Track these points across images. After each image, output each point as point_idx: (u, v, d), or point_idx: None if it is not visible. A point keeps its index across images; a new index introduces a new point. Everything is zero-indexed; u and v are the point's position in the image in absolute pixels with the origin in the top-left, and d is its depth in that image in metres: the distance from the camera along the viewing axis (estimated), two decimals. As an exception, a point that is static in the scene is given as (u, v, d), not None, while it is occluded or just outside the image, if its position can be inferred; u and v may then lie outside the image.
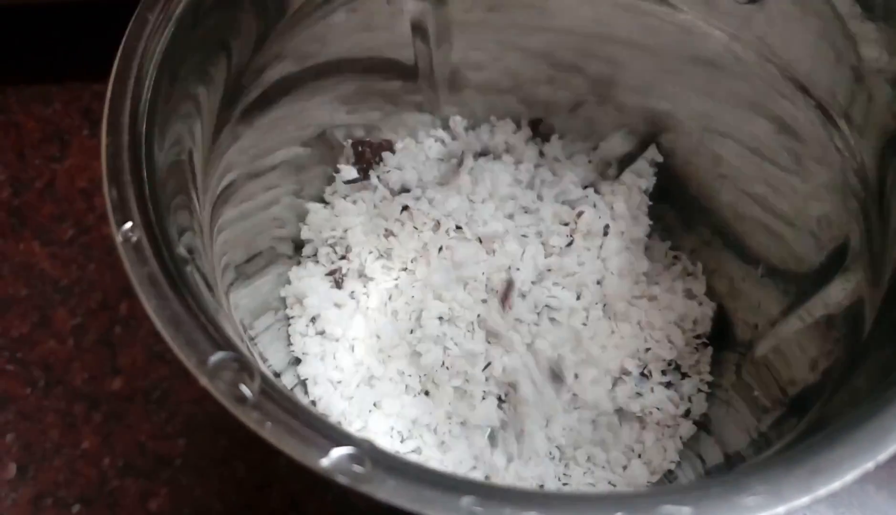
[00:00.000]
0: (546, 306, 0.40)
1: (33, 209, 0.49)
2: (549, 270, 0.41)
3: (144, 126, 0.26)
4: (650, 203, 0.44)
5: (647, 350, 0.41)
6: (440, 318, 0.39)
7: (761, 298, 0.39)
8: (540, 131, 0.46)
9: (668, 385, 0.41)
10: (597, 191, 0.44)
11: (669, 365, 0.41)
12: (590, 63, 0.41)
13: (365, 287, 0.41)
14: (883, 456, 0.22)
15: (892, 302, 0.28)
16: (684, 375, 0.41)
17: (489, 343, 0.39)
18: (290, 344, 0.40)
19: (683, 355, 0.41)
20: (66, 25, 0.54)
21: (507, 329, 0.39)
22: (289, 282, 0.41)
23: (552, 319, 0.40)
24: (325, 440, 0.21)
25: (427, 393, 0.39)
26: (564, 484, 0.38)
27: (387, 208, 0.42)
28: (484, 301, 0.40)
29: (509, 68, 0.43)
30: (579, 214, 0.42)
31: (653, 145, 0.43)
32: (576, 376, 0.39)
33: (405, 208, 0.42)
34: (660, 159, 0.43)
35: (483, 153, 0.45)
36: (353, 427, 0.38)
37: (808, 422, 0.28)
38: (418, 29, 0.39)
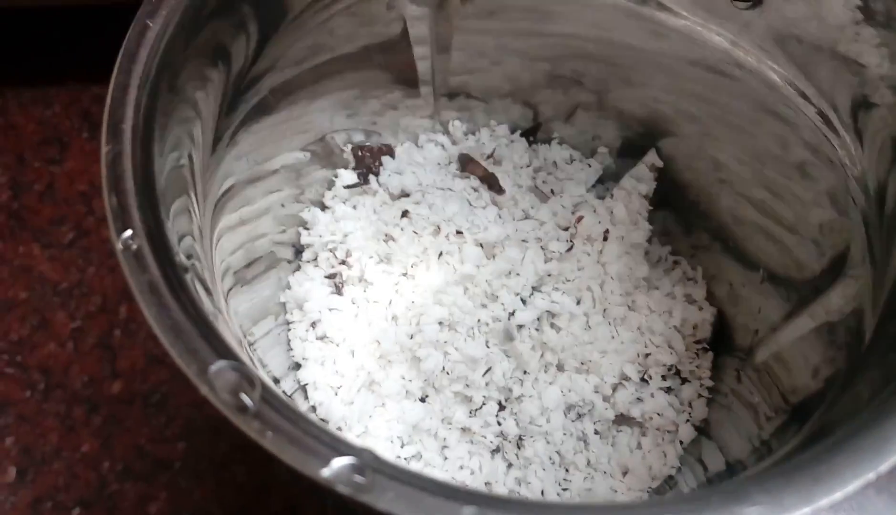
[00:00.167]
0: (546, 311, 0.40)
1: (33, 212, 0.49)
2: (549, 275, 0.41)
3: (144, 132, 0.26)
4: (650, 208, 0.44)
5: (648, 355, 0.41)
6: (440, 323, 0.39)
7: (761, 304, 0.39)
8: (539, 136, 0.46)
9: (669, 390, 0.41)
10: (597, 196, 0.44)
11: (669, 370, 0.41)
12: (589, 68, 0.41)
13: (365, 292, 0.41)
14: (884, 467, 0.22)
15: (894, 311, 0.28)
16: (684, 380, 0.41)
17: (489, 348, 0.39)
18: (289, 349, 0.40)
19: (683, 360, 0.41)
20: (65, 28, 0.54)
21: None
22: (289, 287, 0.41)
23: (552, 324, 0.40)
24: (325, 449, 0.21)
25: (427, 399, 0.39)
26: (564, 490, 0.38)
27: (387, 213, 0.42)
28: (484, 306, 0.40)
29: (509, 73, 0.43)
30: (579, 219, 0.42)
31: (652, 150, 0.43)
32: (576, 381, 0.39)
33: (405, 213, 0.42)
34: (660, 164, 0.43)
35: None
36: (353, 432, 0.38)
37: (809, 430, 0.28)
38: (418, 34, 0.39)
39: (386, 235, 0.42)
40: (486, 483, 0.38)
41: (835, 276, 0.33)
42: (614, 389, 0.40)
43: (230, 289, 0.35)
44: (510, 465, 0.39)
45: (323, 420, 0.38)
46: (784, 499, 0.21)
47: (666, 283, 0.43)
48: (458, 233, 0.41)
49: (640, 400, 0.40)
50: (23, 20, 0.53)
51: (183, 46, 0.29)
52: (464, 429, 0.39)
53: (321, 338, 0.40)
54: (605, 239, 0.42)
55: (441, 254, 0.41)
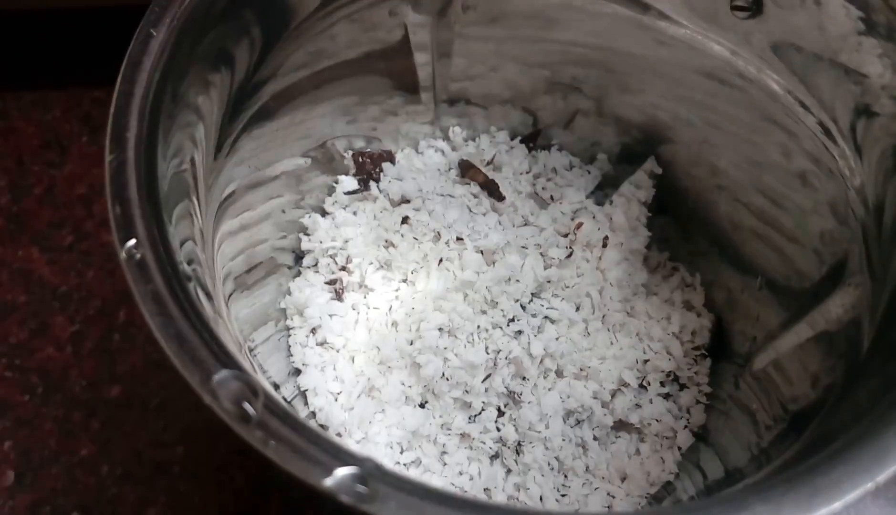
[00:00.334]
0: (545, 317, 0.40)
1: (32, 215, 0.49)
2: (549, 282, 0.41)
3: (148, 140, 0.26)
4: (649, 214, 0.44)
5: (646, 361, 0.41)
6: (440, 329, 0.39)
7: (760, 311, 0.39)
8: (539, 142, 0.46)
9: (667, 396, 0.41)
10: (596, 203, 0.44)
11: (668, 376, 0.41)
12: (589, 75, 0.42)
13: (365, 298, 0.41)
14: (882, 477, 0.22)
15: (892, 319, 0.28)
16: (683, 386, 0.41)
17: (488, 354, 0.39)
18: (290, 354, 0.40)
19: (682, 366, 0.41)
20: (65, 32, 0.54)
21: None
22: (289, 293, 0.42)
23: (552, 331, 0.40)
24: (328, 459, 0.21)
25: (427, 405, 0.39)
26: (563, 495, 0.38)
27: (387, 219, 0.42)
28: (483, 312, 0.40)
29: (509, 80, 0.43)
30: (578, 226, 0.42)
31: (652, 157, 0.44)
32: (575, 387, 0.39)
33: (405, 219, 0.42)
34: (659, 171, 0.43)
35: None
36: (352, 438, 0.38)
37: (808, 439, 0.28)
38: (419, 41, 0.39)
39: (386, 241, 0.42)
40: (485, 489, 0.38)
41: (833, 285, 0.33)
42: (613, 395, 0.40)
43: (231, 295, 0.35)
44: (509, 471, 0.39)
45: (323, 426, 0.39)
46: (783, 509, 0.21)
47: (664, 289, 0.43)
48: (459, 239, 0.41)
49: (638, 406, 0.40)
50: (23, 23, 0.53)
51: (186, 54, 0.29)
52: (463, 435, 0.39)
53: (321, 344, 0.40)
54: (605, 245, 0.42)
55: (441, 260, 0.41)
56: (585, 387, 0.39)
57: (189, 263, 0.27)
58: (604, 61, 0.41)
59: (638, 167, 0.44)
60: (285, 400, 0.39)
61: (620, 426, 0.40)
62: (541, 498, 0.38)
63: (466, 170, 0.44)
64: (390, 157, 0.44)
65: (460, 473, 0.38)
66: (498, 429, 0.39)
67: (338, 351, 0.40)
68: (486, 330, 0.40)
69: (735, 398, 0.39)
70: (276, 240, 0.41)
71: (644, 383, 0.41)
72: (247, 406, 0.22)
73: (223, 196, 0.34)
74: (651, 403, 0.40)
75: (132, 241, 0.24)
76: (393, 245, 0.41)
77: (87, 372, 0.44)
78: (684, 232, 0.44)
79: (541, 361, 0.39)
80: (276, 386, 0.39)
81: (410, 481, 0.21)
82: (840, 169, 0.33)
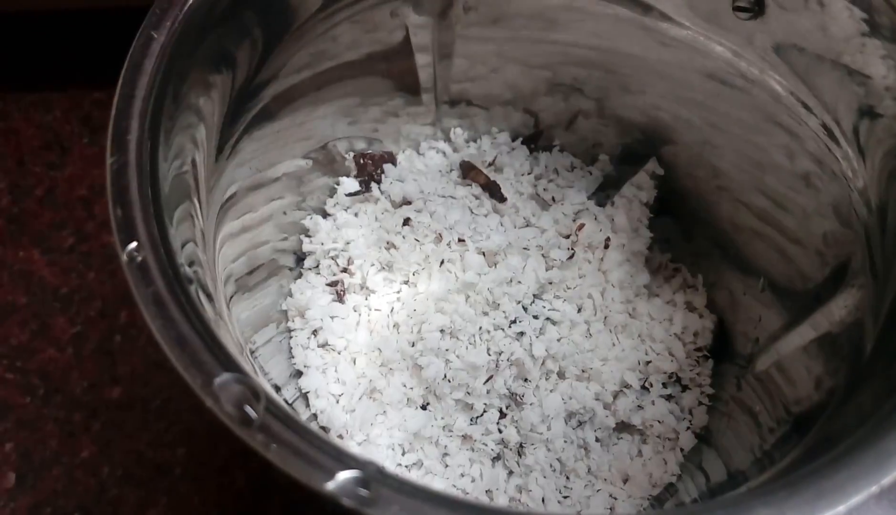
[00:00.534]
0: (547, 319, 0.40)
1: (33, 216, 0.49)
2: (551, 283, 0.41)
3: (150, 143, 0.26)
4: (651, 215, 0.44)
5: (648, 362, 0.41)
6: (442, 331, 0.39)
7: (762, 312, 0.39)
8: (540, 143, 0.46)
9: (669, 397, 0.41)
10: (597, 204, 0.44)
11: (670, 377, 0.41)
12: (591, 76, 0.41)
13: (367, 299, 0.41)
14: (887, 480, 0.22)
15: (895, 323, 0.28)
16: (685, 388, 0.41)
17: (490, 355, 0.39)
18: (291, 356, 0.40)
19: (684, 368, 0.41)
20: (65, 33, 0.54)
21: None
22: (290, 295, 0.41)
23: (553, 332, 0.40)
24: (330, 462, 0.21)
25: (428, 406, 0.39)
26: (565, 497, 0.38)
27: (388, 221, 0.42)
28: (485, 314, 0.40)
29: (510, 81, 0.43)
30: (580, 227, 0.42)
31: (653, 158, 0.44)
32: (577, 389, 0.39)
33: (407, 221, 0.42)
34: (660, 172, 0.43)
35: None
36: (354, 440, 0.38)
37: (812, 441, 0.28)
38: (421, 42, 0.39)
39: (388, 243, 0.42)
40: (486, 491, 0.38)
41: (836, 287, 0.33)
42: (615, 396, 0.40)
43: (232, 297, 0.35)
44: (511, 473, 0.39)
45: (324, 428, 0.38)
46: (787, 513, 0.21)
47: (666, 291, 0.43)
48: (460, 240, 0.41)
49: (640, 407, 0.40)
50: (23, 24, 0.53)
51: (187, 56, 0.29)
52: (465, 437, 0.39)
53: (322, 346, 0.40)
54: (606, 246, 0.42)
55: (443, 261, 0.41)
56: (587, 389, 0.39)
57: (190, 265, 0.26)
58: (605, 62, 0.40)
59: (639, 168, 0.44)
60: (287, 402, 0.39)
61: (622, 427, 0.40)
62: (543, 500, 0.38)
63: (468, 171, 0.44)
64: (391, 159, 0.44)
65: (462, 475, 0.38)
66: (500, 431, 0.39)
67: (339, 353, 0.40)
68: (488, 332, 0.40)
69: (737, 399, 0.39)
70: (277, 241, 0.41)
71: (646, 384, 0.41)
72: (248, 409, 0.22)
73: (224, 197, 0.34)
74: (653, 404, 0.40)
75: (133, 244, 0.24)
76: (394, 246, 0.41)
77: (87, 374, 0.44)
78: (686, 233, 0.44)
79: (543, 363, 0.39)
80: (278, 388, 0.39)
81: (412, 484, 0.21)
82: (843, 170, 0.33)
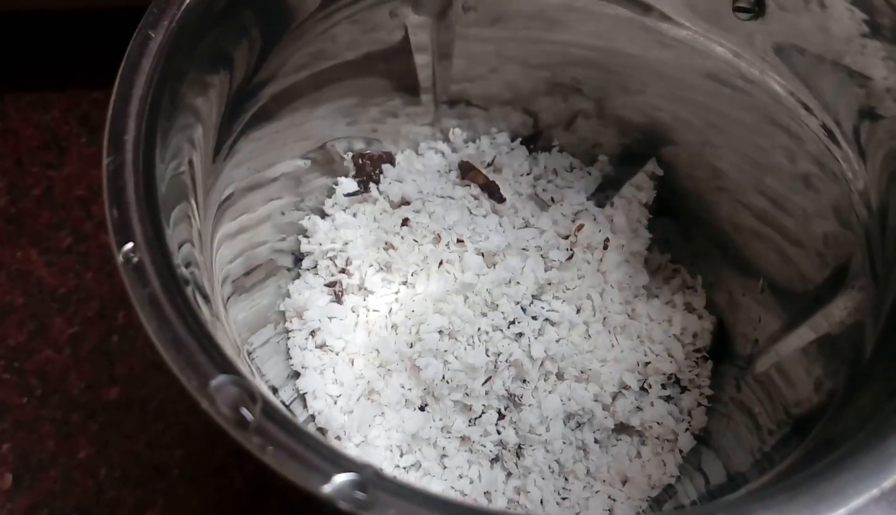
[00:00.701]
0: (546, 320, 0.40)
1: (31, 217, 0.49)
2: (550, 284, 0.41)
3: (146, 143, 0.26)
4: (650, 216, 0.44)
5: (647, 363, 0.41)
6: (440, 332, 0.39)
7: (762, 313, 0.39)
8: (539, 144, 0.46)
9: (668, 399, 0.41)
10: (597, 204, 0.44)
11: (669, 378, 0.41)
12: (590, 76, 0.41)
13: (365, 300, 0.41)
14: (888, 483, 0.22)
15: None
16: (684, 389, 0.41)
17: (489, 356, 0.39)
18: (289, 357, 0.40)
19: (683, 369, 0.41)
20: (64, 33, 0.53)
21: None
22: (288, 295, 0.41)
23: (552, 333, 0.40)
24: (327, 465, 0.21)
25: (427, 407, 0.39)
26: (564, 498, 0.38)
27: (387, 221, 0.42)
28: (484, 315, 0.40)
29: (510, 81, 0.43)
30: (579, 228, 0.42)
31: (653, 158, 0.43)
32: (576, 390, 0.39)
33: (405, 221, 0.42)
34: (660, 172, 0.43)
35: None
36: (352, 441, 0.38)
37: (812, 443, 0.28)
38: (420, 42, 0.39)
39: (386, 243, 0.41)
40: (485, 493, 0.38)
41: (836, 288, 0.33)
42: (614, 398, 0.40)
43: (229, 297, 0.35)
44: (509, 474, 0.39)
45: (322, 429, 0.38)
46: (787, 517, 0.21)
47: (666, 292, 0.43)
48: (459, 241, 0.41)
49: (639, 408, 0.40)
50: (22, 24, 0.53)
51: (185, 55, 0.28)
52: (463, 438, 0.39)
53: (320, 347, 0.40)
54: (605, 247, 0.42)
55: (441, 262, 0.41)
56: (586, 390, 0.39)
57: (187, 266, 0.26)
58: (605, 62, 0.40)
59: (639, 169, 0.44)
60: (284, 403, 0.39)
61: (621, 428, 0.40)
62: (541, 502, 0.38)
63: (467, 171, 0.44)
64: (390, 159, 0.44)
65: (460, 476, 0.38)
66: (498, 432, 0.39)
67: (337, 354, 0.40)
68: (487, 333, 0.39)
69: (737, 401, 0.39)
70: (275, 242, 0.41)
71: (645, 385, 0.40)
72: (244, 411, 0.22)
73: (222, 198, 0.34)
74: (652, 406, 0.40)
75: (129, 245, 0.23)
76: (393, 247, 0.41)
77: (85, 374, 0.43)
78: (685, 234, 0.44)
79: (541, 364, 0.39)
80: (275, 390, 0.39)
81: (410, 487, 0.21)
82: (843, 171, 0.32)
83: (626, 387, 0.40)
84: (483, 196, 0.43)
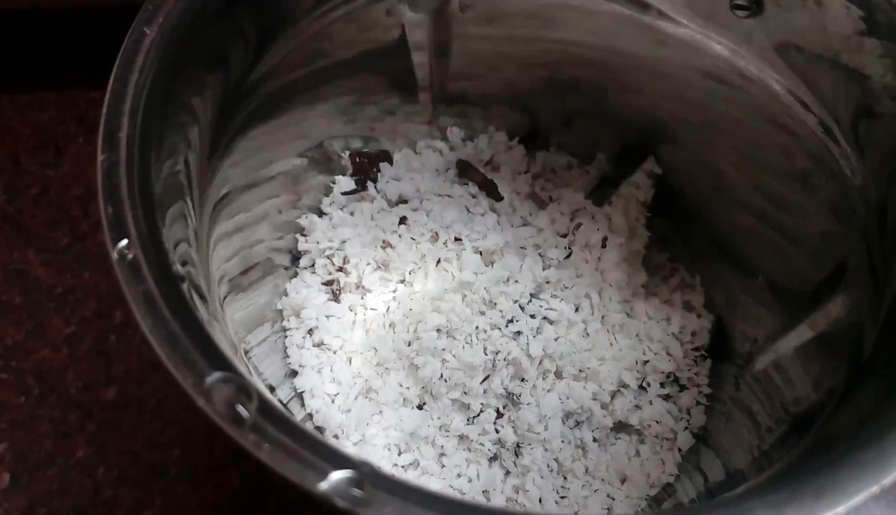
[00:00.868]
0: (544, 318, 0.40)
1: (28, 216, 0.49)
2: (548, 282, 0.41)
3: (141, 140, 0.26)
4: (648, 214, 0.44)
5: (646, 362, 0.40)
6: (438, 330, 0.39)
7: (760, 312, 0.39)
8: (537, 142, 0.46)
9: (667, 397, 0.41)
10: (595, 203, 0.44)
11: (668, 377, 0.41)
12: (588, 75, 0.41)
13: (363, 299, 0.41)
14: (887, 480, 0.22)
15: (895, 322, 0.28)
16: (683, 387, 0.41)
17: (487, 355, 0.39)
18: (286, 356, 0.40)
19: (682, 367, 0.41)
20: (61, 32, 0.53)
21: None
22: (286, 294, 0.41)
23: (550, 332, 0.40)
24: (323, 462, 0.21)
25: (425, 406, 0.39)
26: (562, 497, 0.38)
27: (385, 219, 0.42)
28: (482, 313, 0.40)
29: (507, 79, 0.43)
30: (577, 226, 0.42)
31: (651, 157, 0.43)
32: (574, 388, 0.39)
33: (403, 220, 0.42)
34: (658, 171, 0.43)
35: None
36: (350, 440, 0.38)
37: (811, 441, 0.28)
38: (417, 40, 0.39)
39: (384, 242, 0.41)
40: (483, 491, 0.38)
41: (835, 286, 0.33)
42: (612, 396, 0.40)
43: (226, 296, 0.35)
44: (508, 473, 0.39)
45: (319, 428, 0.38)
46: (786, 514, 0.21)
47: (664, 290, 0.43)
48: (457, 239, 0.41)
49: (638, 407, 0.40)
50: (18, 23, 0.53)
51: (180, 53, 0.28)
52: (461, 437, 0.39)
53: (318, 345, 0.40)
54: (604, 246, 0.42)
55: (439, 260, 0.41)
56: (585, 388, 0.39)
57: (183, 265, 0.26)
58: (603, 61, 0.40)
59: (637, 167, 0.44)
60: (281, 402, 0.38)
61: (620, 427, 0.40)
62: (540, 500, 0.38)
63: (465, 170, 0.44)
64: (388, 157, 0.44)
65: (459, 475, 0.38)
66: (497, 431, 0.39)
67: (335, 353, 0.40)
68: (485, 331, 0.39)
69: (736, 399, 0.39)
70: (272, 240, 0.41)
71: (644, 384, 0.40)
72: (240, 408, 0.21)
73: (218, 197, 0.34)
74: (651, 404, 0.40)
75: (124, 242, 0.23)
76: (390, 245, 0.41)
77: (82, 374, 0.43)
78: (684, 232, 0.44)
79: (540, 362, 0.39)
80: (273, 388, 0.38)
81: (407, 485, 0.21)
82: (841, 169, 0.32)
83: (625, 386, 0.40)
84: (481, 194, 0.43)
